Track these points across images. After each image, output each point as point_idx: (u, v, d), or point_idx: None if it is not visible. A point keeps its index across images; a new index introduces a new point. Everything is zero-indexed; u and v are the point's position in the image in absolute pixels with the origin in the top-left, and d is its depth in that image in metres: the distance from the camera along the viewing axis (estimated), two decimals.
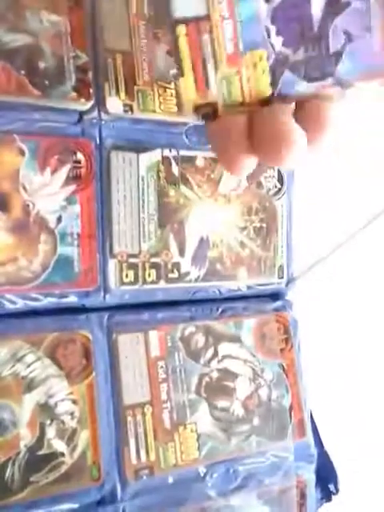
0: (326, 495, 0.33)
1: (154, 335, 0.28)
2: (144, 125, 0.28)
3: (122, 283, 0.27)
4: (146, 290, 0.28)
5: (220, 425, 0.29)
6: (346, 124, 0.20)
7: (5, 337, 0.25)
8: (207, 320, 0.30)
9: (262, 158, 0.20)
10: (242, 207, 0.31)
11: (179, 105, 0.23)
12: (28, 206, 0.25)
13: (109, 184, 0.27)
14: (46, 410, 0.25)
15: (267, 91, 0.20)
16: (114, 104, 0.27)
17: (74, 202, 0.26)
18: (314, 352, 0.33)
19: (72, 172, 0.26)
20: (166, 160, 0.29)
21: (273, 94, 0.20)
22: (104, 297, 0.27)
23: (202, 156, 0.30)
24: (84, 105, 0.26)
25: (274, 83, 0.20)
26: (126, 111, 0.27)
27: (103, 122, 0.27)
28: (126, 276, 0.27)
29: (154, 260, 0.28)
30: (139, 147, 0.28)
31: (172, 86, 0.29)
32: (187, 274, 0.29)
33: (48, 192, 0.25)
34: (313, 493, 0.31)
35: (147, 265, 0.28)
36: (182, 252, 0.29)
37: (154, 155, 0.28)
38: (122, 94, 0.27)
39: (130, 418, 0.27)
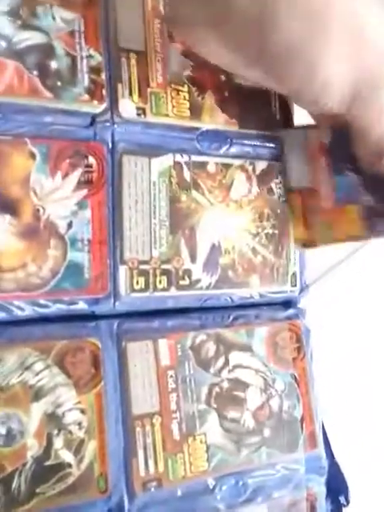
0: (337, 507, 0.32)
1: (163, 343, 0.28)
2: (156, 129, 0.27)
3: (133, 290, 0.27)
4: (156, 297, 0.28)
5: (230, 436, 0.28)
6: None
7: (13, 344, 0.24)
8: (218, 328, 0.29)
9: None
10: (253, 213, 0.30)
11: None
12: (38, 210, 0.25)
13: (120, 189, 0.26)
14: (53, 419, 0.25)
15: (361, 233, 0.28)
16: (128, 108, 0.26)
17: (85, 207, 0.26)
18: (326, 361, 0.33)
19: (83, 176, 0.25)
20: (177, 165, 0.28)
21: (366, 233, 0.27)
22: (114, 304, 0.26)
23: (213, 162, 0.29)
24: (97, 107, 0.26)
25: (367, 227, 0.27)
26: (139, 115, 0.27)
27: (116, 126, 0.26)
28: (137, 283, 0.27)
29: (165, 267, 0.28)
30: (151, 152, 0.27)
31: (185, 88, 0.28)
32: (198, 281, 0.29)
33: (59, 197, 0.25)
34: (323, 505, 0.31)
35: (158, 271, 0.27)
36: (193, 258, 0.28)
37: (166, 160, 0.28)
38: (135, 97, 0.27)
39: (138, 429, 0.26)
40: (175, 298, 0.28)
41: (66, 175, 0.25)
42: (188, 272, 0.28)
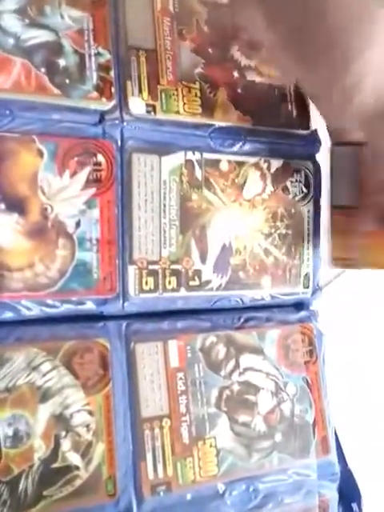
0: None
1: (173, 345, 0.27)
2: (167, 126, 0.27)
3: (142, 291, 0.26)
4: (165, 297, 0.27)
5: (240, 440, 0.28)
6: None
7: (20, 344, 0.24)
8: (229, 330, 0.29)
9: None
10: (266, 213, 0.30)
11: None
12: (46, 209, 0.24)
13: (130, 188, 0.26)
14: (61, 421, 0.24)
15: None
16: (137, 104, 0.26)
17: (94, 206, 0.25)
18: (339, 365, 0.32)
19: (92, 175, 0.25)
20: (189, 163, 0.27)
21: None
22: (123, 304, 0.26)
23: (226, 159, 0.28)
24: (105, 105, 0.25)
25: None
26: (148, 112, 0.26)
27: (125, 123, 0.26)
28: (146, 283, 0.26)
29: (174, 267, 0.27)
30: (162, 150, 0.27)
31: (196, 85, 0.28)
32: (209, 281, 0.28)
33: (67, 195, 0.25)
34: None
35: (167, 272, 0.27)
36: (203, 259, 0.28)
37: (177, 158, 0.27)
38: (145, 94, 0.26)
39: (147, 432, 0.26)
40: (185, 299, 0.28)
41: (74, 173, 0.25)
42: (198, 272, 0.28)
